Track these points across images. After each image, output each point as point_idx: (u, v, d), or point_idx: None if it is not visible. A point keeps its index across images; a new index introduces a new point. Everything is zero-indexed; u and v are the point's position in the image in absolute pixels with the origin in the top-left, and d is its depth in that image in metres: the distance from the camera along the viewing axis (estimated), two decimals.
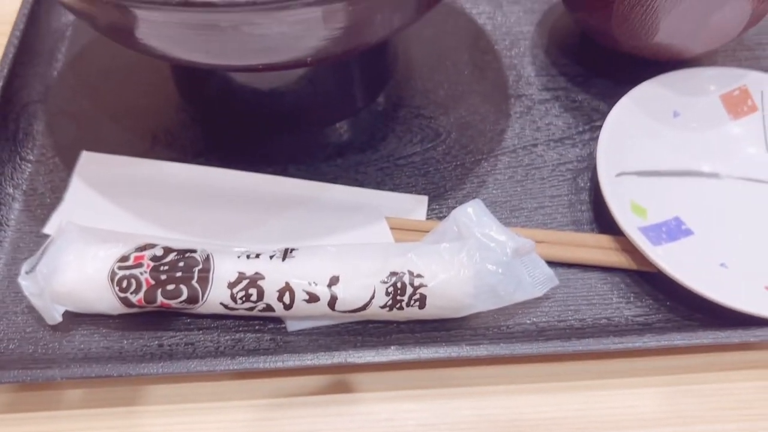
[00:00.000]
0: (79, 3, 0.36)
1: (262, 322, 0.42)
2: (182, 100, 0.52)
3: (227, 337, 0.41)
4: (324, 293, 0.39)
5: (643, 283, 0.43)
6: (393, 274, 0.39)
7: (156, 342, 0.41)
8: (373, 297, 0.39)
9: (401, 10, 0.39)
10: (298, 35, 0.36)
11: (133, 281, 0.39)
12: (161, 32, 0.36)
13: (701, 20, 0.46)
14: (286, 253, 0.40)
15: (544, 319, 0.42)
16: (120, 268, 0.40)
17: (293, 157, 0.49)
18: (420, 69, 0.54)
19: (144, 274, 0.39)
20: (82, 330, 0.42)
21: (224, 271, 0.40)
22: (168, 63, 0.51)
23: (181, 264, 0.40)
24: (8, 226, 0.46)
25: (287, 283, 0.39)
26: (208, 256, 0.40)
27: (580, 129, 0.51)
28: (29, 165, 0.49)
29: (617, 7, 0.46)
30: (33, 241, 0.45)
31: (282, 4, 0.32)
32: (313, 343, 0.41)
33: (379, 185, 0.47)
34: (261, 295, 0.39)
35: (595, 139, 0.47)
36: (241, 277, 0.39)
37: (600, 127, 0.47)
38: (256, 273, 0.39)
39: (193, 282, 0.39)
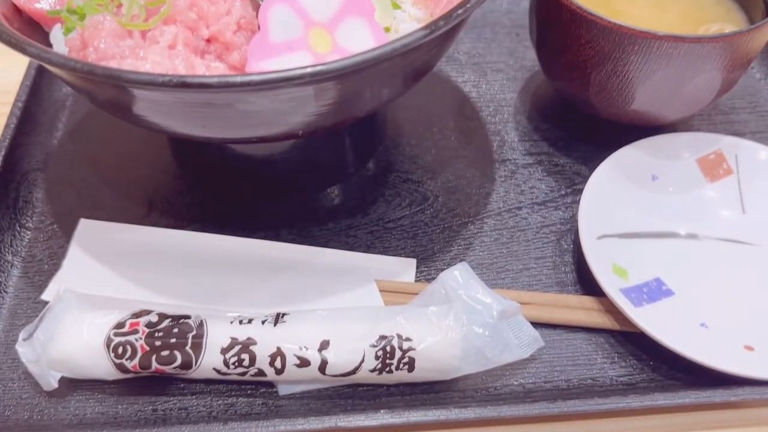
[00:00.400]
0: (79, 81, 0.38)
1: (254, 386, 0.42)
2: (178, 168, 0.54)
3: (220, 402, 0.42)
4: (315, 358, 0.40)
5: (627, 343, 0.44)
6: (382, 337, 0.41)
7: (150, 407, 0.42)
8: (362, 361, 0.40)
9: (389, 85, 0.41)
10: (289, 111, 0.38)
11: (129, 347, 0.40)
12: (159, 109, 0.38)
13: (675, 89, 0.48)
14: (278, 318, 0.42)
15: (530, 381, 0.43)
16: (116, 334, 0.41)
17: (286, 222, 0.50)
18: (408, 135, 0.56)
19: (139, 341, 0.40)
20: (77, 396, 0.42)
21: (217, 336, 0.41)
22: (165, 136, 0.53)
23: (176, 330, 0.41)
24: (6, 292, 0.47)
25: (279, 348, 0.40)
26: (201, 321, 0.41)
27: (563, 192, 0.52)
28: (28, 232, 0.50)
29: (594, 77, 0.49)
30: (31, 308, 0.46)
31: (273, 84, 0.34)
32: (304, 407, 0.41)
33: (369, 248, 0.49)
34: (253, 360, 0.40)
35: (578, 201, 0.49)
36: (234, 342, 0.40)
37: (582, 190, 0.48)
38: (249, 338, 0.40)
39: (187, 348, 0.40)
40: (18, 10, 0.44)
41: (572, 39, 0.48)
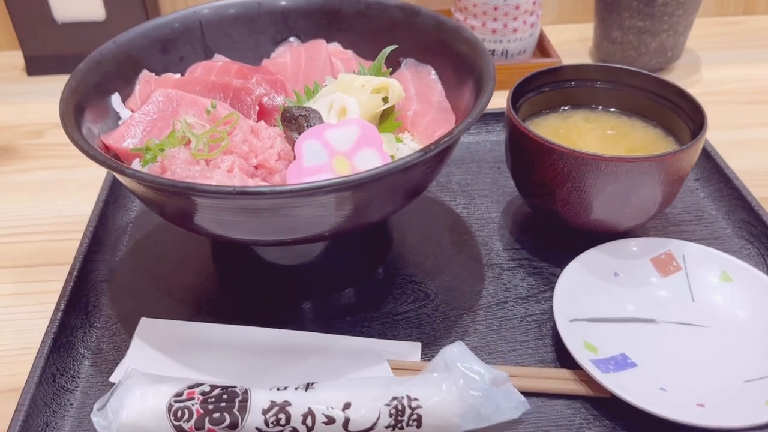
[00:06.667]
0: (158, 194, 0.50)
1: None
2: (220, 278, 0.65)
3: None
4: (339, 416, 0.49)
5: (600, 406, 0.53)
6: (394, 398, 0.49)
7: None
8: (378, 418, 0.49)
9: (393, 197, 0.53)
10: (318, 215, 0.49)
11: (186, 411, 0.49)
12: (219, 216, 0.49)
13: (624, 201, 0.60)
14: (308, 386, 0.51)
15: None
16: (176, 401, 0.49)
17: (311, 317, 0.60)
18: (412, 247, 0.67)
19: (195, 405, 0.49)
20: None
21: (259, 400, 0.49)
22: (217, 241, 0.64)
23: (225, 396, 0.50)
24: (79, 377, 0.56)
25: (309, 408, 0.49)
26: (246, 390, 0.50)
27: (542, 289, 0.63)
28: (97, 330, 0.60)
29: (559, 193, 0.61)
30: (99, 389, 0.55)
31: (307, 192, 0.46)
32: None
33: (380, 336, 0.58)
34: (288, 419, 0.49)
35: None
36: (273, 404, 0.49)
37: None
38: (285, 401, 0.49)
39: (234, 410, 0.49)
40: (107, 148, 0.57)
41: (539, 163, 0.60)
